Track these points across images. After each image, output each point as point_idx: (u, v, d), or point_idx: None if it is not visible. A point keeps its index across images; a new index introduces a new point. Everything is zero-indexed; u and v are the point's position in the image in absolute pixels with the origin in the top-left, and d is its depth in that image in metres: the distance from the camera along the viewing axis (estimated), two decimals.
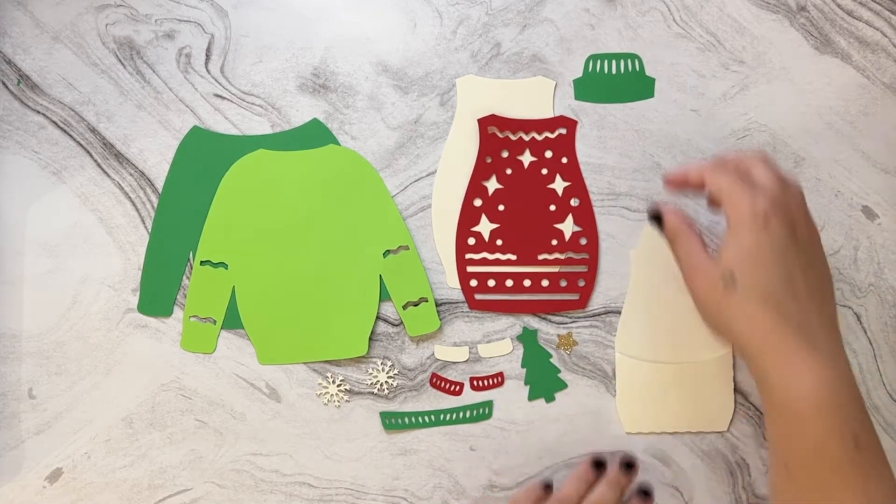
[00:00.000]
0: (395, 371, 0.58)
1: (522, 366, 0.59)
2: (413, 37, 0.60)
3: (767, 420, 0.43)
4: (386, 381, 0.58)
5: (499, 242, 0.59)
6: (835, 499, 0.40)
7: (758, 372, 0.43)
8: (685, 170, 0.50)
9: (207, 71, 0.60)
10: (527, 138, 0.59)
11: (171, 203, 0.59)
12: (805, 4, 0.60)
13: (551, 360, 0.59)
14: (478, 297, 0.59)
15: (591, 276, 0.59)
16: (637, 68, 0.58)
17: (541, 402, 0.59)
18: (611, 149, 0.60)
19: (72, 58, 0.59)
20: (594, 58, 0.58)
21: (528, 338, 0.58)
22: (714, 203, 0.48)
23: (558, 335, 0.59)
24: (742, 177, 0.46)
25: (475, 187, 0.59)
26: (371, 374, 0.58)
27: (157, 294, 0.58)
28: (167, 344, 0.58)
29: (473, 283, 0.59)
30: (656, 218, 0.50)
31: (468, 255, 0.59)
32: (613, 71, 0.58)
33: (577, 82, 0.58)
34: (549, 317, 0.59)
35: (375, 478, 0.58)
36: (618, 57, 0.58)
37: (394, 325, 0.59)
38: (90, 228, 0.59)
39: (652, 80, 0.57)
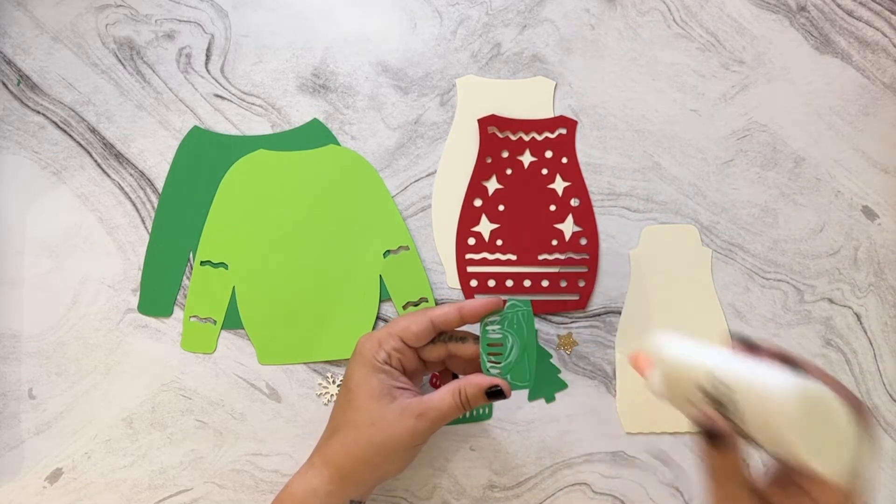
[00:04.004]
0: None
1: None
2: (413, 37, 0.60)
3: None
4: None
5: (499, 242, 0.59)
6: None
7: None
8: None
9: (207, 71, 0.60)
10: (527, 138, 0.59)
11: (171, 203, 0.59)
12: (805, 4, 0.60)
13: (551, 360, 0.59)
14: (478, 297, 0.59)
15: (591, 276, 0.59)
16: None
17: (541, 402, 0.59)
18: (611, 149, 0.60)
19: (72, 58, 0.59)
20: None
21: None
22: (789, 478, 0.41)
23: (558, 335, 0.59)
24: None
25: (475, 187, 0.59)
26: None
27: (157, 294, 0.58)
28: (167, 344, 0.58)
29: (473, 283, 0.59)
30: (709, 434, 0.40)
31: (468, 256, 0.59)
32: None
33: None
34: (549, 317, 0.59)
35: None
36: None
37: None
38: (90, 228, 0.59)
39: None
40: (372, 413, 0.48)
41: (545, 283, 0.59)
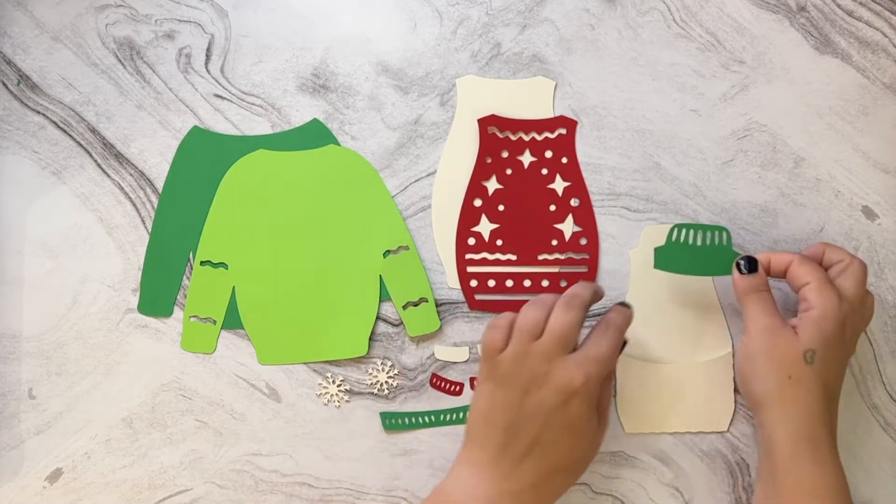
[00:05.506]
0: (395, 371, 0.58)
1: None
2: (413, 37, 0.60)
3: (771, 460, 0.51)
4: (386, 382, 0.58)
5: (499, 242, 0.59)
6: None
7: (806, 429, 0.50)
8: (768, 257, 0.54)
9: (207, 71, 0.60)
10: (527, 138, 0.59)
11: (171, 203, 0.59)
12: (805, 4, 0.60)
13: None
14: (478, 297, 0.59)
15: (591, 277, 0.59)
16: (724, 241, 0.54)
17: None
18: (611, 149, 0.60)
19: (72, 58, 0.59)
20: (679, 227, 0.55)
21: None
22: (797, 289, 0.53)
23: None
24: (829, 279, 0.52)
25: (475, 187, 0.59)
26: (371, 374, 0.58)
27: (157, 294, 0.58)
28: (167, 344, 0.58)
29: (473, 283, 0.59)
30: (746, 266, 0.53)
31: (468, 256, 0.59)
32: (699, 242, 0.55)
33: (658, 251, 0.56)
34: None
35: (375, 478, 0.58)
36: (704, 228, 0.55)
37: (394, 325, 0.59)
38: (90, 228, 0.59)
39: (735, 255, 0.54)
40: (592, 452, 0.52)
41: (545, 283, 0.59)
